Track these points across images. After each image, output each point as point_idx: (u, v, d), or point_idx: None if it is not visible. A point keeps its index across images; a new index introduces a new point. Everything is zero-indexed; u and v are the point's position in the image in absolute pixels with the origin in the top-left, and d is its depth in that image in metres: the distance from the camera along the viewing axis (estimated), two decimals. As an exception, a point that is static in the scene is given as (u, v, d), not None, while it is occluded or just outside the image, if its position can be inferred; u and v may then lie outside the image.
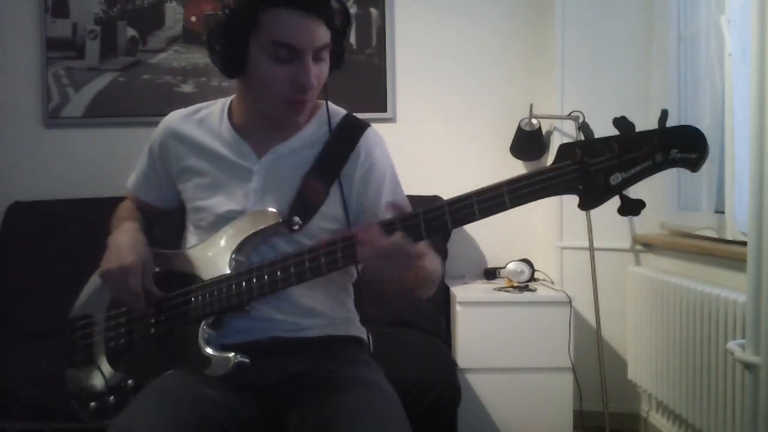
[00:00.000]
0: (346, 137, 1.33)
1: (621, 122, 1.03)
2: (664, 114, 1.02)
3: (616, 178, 1.02)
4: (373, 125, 1.39)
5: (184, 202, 1.41)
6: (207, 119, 1.38)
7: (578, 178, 1.04)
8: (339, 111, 1.37)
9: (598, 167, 1.03)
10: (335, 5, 1.21)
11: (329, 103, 1.35)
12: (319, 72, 1.23)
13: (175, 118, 1.40)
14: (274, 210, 1.26)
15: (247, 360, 1.21)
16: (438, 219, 1.10)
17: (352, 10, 2.87)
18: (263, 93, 1.26)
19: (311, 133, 1.33)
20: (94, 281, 1.41)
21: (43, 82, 2.90)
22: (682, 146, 1.00)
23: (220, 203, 1.31)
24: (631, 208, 1.04)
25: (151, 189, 1.45)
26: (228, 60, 1.24)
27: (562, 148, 1.06)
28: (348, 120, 1.36)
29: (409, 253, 1.10)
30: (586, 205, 1.05)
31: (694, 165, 1.01)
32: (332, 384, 1.24)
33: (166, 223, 1.51)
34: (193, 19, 2.91)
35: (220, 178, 1.33)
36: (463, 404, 2.16)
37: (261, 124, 1.33)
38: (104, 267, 1.27)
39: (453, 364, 2.32)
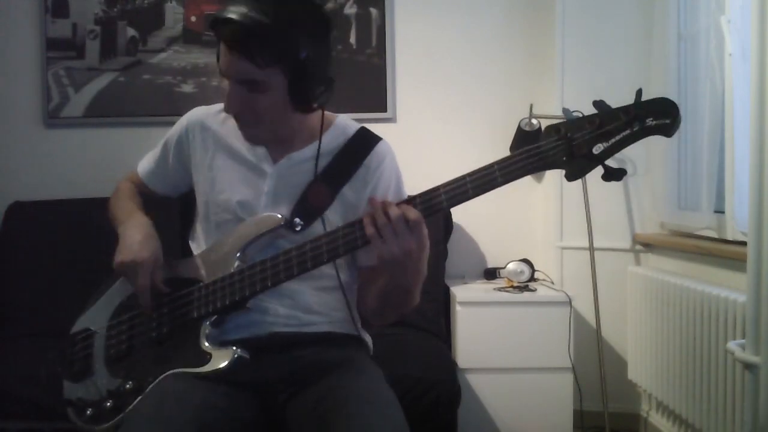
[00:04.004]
0: (358, 149, 1.37)
1: (600, 104, 1.14)
2: (639, 92, 1.13)
3: (598, 148, 1.12)
4: (376, 125, 1.41)
5: (195, 194, 1.44)
6: (230, 119, 1.40)
7: (563, 152, 1.12)
8: (353, 125, 1.41)
9: (581, 140, 1.12)
10: (276, 49, 1.20)
11: (342, 116, 1.41)
12: (249, 101, 1.25)
13: (202, 112, 1.45)
14: (277, 215, 1.29)
15: (247, 355, 1.21)
16: (434, 198, 1.16)
17: (352, 10, 2.87)
18: None
19: (325, 144, 1.36)
20: (97, 295, 1.43)
21: (43, 82, 2.90)
22: (656, 114, 1.10)
23: (234, 199, 1.35)
24: (614, 174, 1.13)
25: (160, 179, 1.50)
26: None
27: (548, 128, 1.15)
28: (361, 133, 1.39)
29: (413, 219, 1.14)
30: (572, 175, 1.13)
31: (668, 130, 1.11)
32: (331, 376, 1.25)
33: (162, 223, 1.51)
34: (193, 19, 2.91)
35: (235, 177, 1.37)
36: (463, 404, 2.16)
37: (272, 141, 1.36)
38: (119, 259, 1.31)
39: (453, 364, 2.32)
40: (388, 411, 1.17)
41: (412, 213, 1.15)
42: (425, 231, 1.17)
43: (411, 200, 1.17)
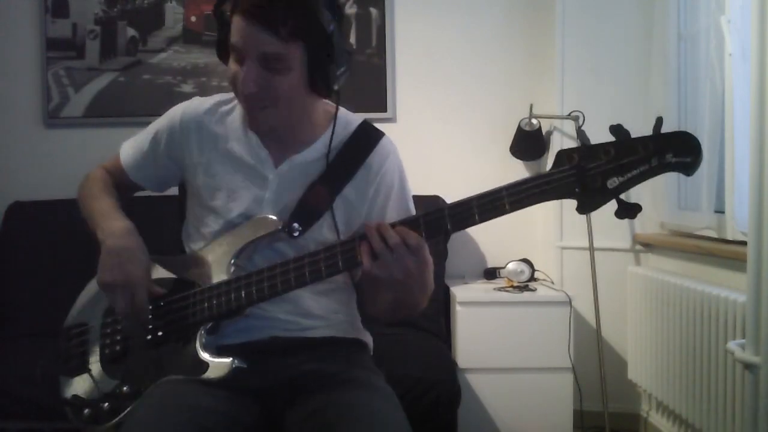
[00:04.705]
0: (359, 148, 1.32)
1: (617, 129, 1.06)
2: (659, 121, 1.06)
3: (613, 182, 1.05)
4: (375, 125, 1.38)
5: (187, 193, 1.40)
6: (229, 116, 1.36)
7: (576, 182, 1.06)
8: (354, 119, 1.36)
9: (596, 171, 1.06)
10: (301, 21, 1.15)
11: (342, 109, 1.34)
12: (268, 81, 1.19)
13: (196, 110, 1.37)
14: (274, 218, 1.26)
15: (244, 365, 1.20)
16: (438, 221, 1.11)
17: (352, 9, 2.87)
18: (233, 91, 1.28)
19: (325, 144, 1.32)
20: (91, 288, 1.40)
21: (43, 82, 2.90)
22: (676, 150, 1.03)
23: (232, 208, 1.30)
24: (628, 211, 1.07)
25: (147, 173, 1.42)
26: (219, 52, 1.28)
27: (560, 153, 1.08)
28: (362, 129, 1.34)
29: (413, 245, 1.10)
30: (583, 208, 1.08)
31: (688, 169, 1.04)
32: (332, 386, 1.24)
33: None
34: (193, 19, 2.91)
35: (234, 181, 1.32)
36: (463, 404, 2.16)
37: (278, 131, 1.31)
38: (108, 279, 1.23)
39: (453, 364, 2.32)
40: (389, 420, 1.15)
41: (412, 238, 1.10)
42: (426, 252, 1.12)
43: (414, 220, 1.13)
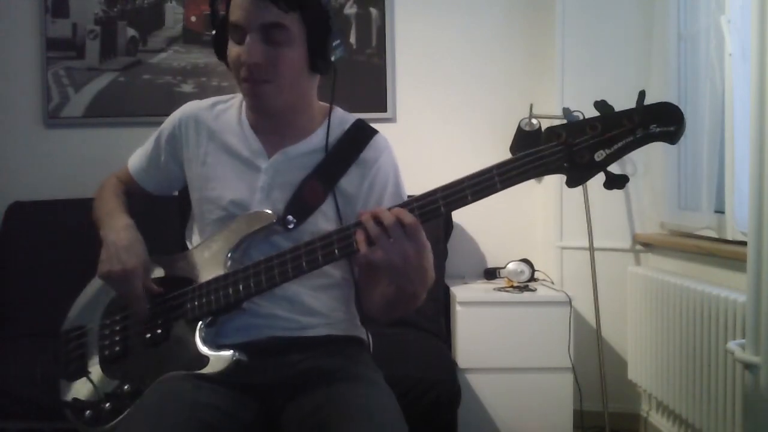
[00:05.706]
0: (353, 144, 1.34)
1: (601, 105, 1.10)
2: (642, 94, 1.09)
3: (600, 155, 1.08)
4: (376, 125, 1.39)
5: (188, 191, 1.41)
6: (225, 113, 1.39)
7: (564, 158, 1.09)
8: (349, 117, 1.38)
9: (583, 146, 1.08)
10: None
11: (338, 108, 1.37)
12: (271, 54, 1.21)
13: (194, 107, 1.42)
14: (269, 211, 1.28)
15: (245, 358, 1.20)
16: (431, 204, 1.12)
17: (352, 10, 2.87)
18: (234, 78, 1.29)
19: (321, 138, 1.34)
20: (88, 291, 1.42)
21: (43, 82, 2.90)
22: (660, 121, 1.07)
23: (226, 196, 1.32)
24: (616, 182, 1.10)
25: (152, 177, 1.46)
26: (217, 49, 1.31)
27: (548, 130, 1.11)
28: (357, 126, 1.37)
29: (409, 225, 1.10)
30: (573, 181, 1.10)
31: (672, 137, 1.07)
32: (331, 382, 1.24)
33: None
34: (193, 19, 2.91)
35: (229, 172, 1.34)
36: (463, 404, 2.16)
37: (271, 123, 1.33)
38: (105, 269, 1.27)
39: (453, 364, 2.32)
40: (386, 419, 1.16)
41: (408, 217, 1.10)
42: (423, 234, 1.12)
43: (407, 204, 1.13)
